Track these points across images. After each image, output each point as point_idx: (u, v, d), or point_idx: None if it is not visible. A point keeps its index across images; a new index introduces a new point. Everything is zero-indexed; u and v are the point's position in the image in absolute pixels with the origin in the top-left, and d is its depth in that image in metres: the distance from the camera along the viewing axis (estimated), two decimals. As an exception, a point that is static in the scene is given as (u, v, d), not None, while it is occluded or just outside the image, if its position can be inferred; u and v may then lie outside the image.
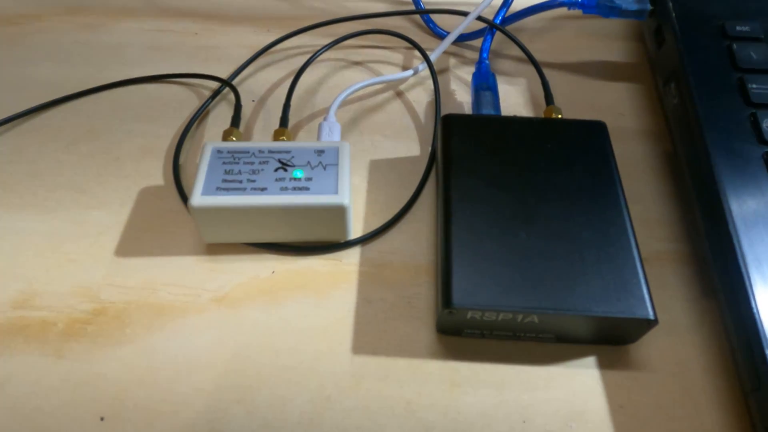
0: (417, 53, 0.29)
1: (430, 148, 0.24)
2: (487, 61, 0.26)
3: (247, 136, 0.25)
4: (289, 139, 0.23)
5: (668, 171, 0.24)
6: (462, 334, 0.18)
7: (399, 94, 0.27)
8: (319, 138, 0.23)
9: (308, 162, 0.20)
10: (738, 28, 0.22)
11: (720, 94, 0.21)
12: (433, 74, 0.26)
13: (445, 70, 0.28)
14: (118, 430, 0.17)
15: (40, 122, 0.25)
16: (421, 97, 0.27)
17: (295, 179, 0.20)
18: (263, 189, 0.19)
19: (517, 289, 0.17)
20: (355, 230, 0.22)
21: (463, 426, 0.17)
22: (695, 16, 0.23)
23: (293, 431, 0.17)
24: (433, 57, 0.26)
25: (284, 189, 0.19)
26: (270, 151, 0.20)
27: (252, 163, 0.20)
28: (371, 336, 0.19)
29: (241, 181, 0.19)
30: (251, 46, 0.29)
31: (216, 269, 0.20)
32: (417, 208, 0.22)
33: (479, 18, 0.27)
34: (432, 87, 0.27)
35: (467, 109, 0.26)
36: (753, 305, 0.17)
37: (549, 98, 0.24)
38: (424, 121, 0.26)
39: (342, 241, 0.21)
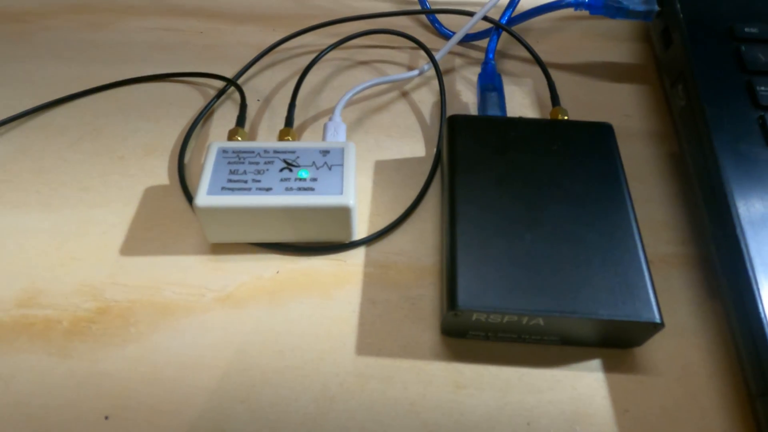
0: (422, 53, 0.29)
1: (435, 149, 0.24)
2: (493, 62, 0.25)
3: (252, 136, 0.25)
4: (294, 139, 0.23)
5: (675, 173, 0.23)
6: (466, 336, 0.18)
7: (404, 95, 0.27)
8: (324, 138, 0.23)
9: (313, 162, 0.20)
10: (746, 29, 0.22)
11: (728, 96, 0.21)
12: (439, 74, 0.25)
13: (450, 70, 0.28)
14: (123, 428, 0.17)
15: (44, 120, 0.25)
16: (426, 97, 0.27)
17: (300, 179, 0.20)
18: (268, 189, 0.19)
19: (522, 292, 0.17)
20: (360, 231, 0.21)
21: (467, 428, 0.17)
22: (703, 17, 0.23)
23: (296, 431, 0.17)
24: (438, 57, 0.26)
25: (289, 189, 0.19)
26: (275, 151, 0.20)
27: (257, 163, 0.20)
28: (375, 337, 0.19)
29: (246, 181, 0.19)
30: (256, 45, 0.29)
31: (220, 269, 0.20)
32: (422, 208, 0.22)
33: (485, 18, 0.27)
34: (437, 87, 0.27)
35: (473, 109, 0.26)
36: (761, 309, 0.17)
37: (555, 99, 0.24)
38: (429, 121, 0.26)
39: (347, 242, 0.21)
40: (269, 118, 0.25)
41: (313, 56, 0.28)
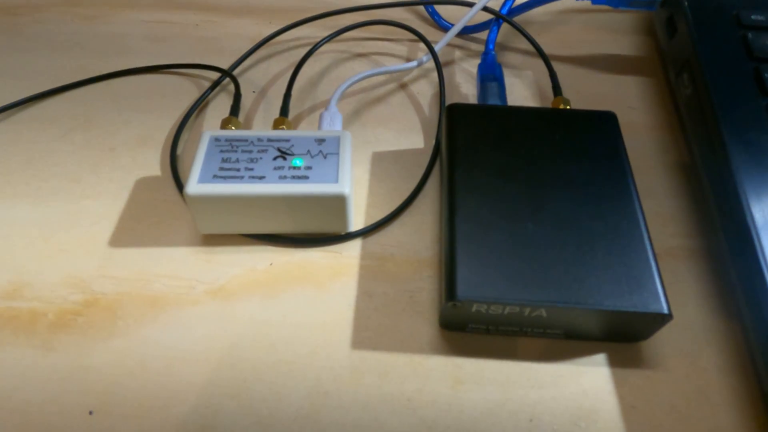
0: (422, 46, 0.28)
1: (434, 141, 0.24)
2: (493, 52, 0.25)
3: (246, 127, 0.24)
4: (289, 129, 0.22)
5: (680, 165, 0.23)
6: (466, 329, 0.18)
7: (403, 87, 0.26)
8: (320, 128, 0.22)
9: (308, 151, 0.20)
10: (753, 17, 0.21)
11: (735, 83, 0.20)
12: (438, 65, 0.25)
13: (450, 62, 0.27)
14: (107, 424, 0.16)
15: (36, 111, 0.25)
16: (425, 89, 0.26)
17: (294, 168, 0.19)
18: (261, 177, 0.19)
19: (524, 282, 0.16)
20: (357, 222, 0.21)
21: (467, 424, 0.16)
22: (708, 5, 0.22)
23: (288, 427, 0.16)
24: (437, 48, 0.26)
25: (283, 178, 0.19)
26: (269, 140, 0.20)
27: (250, 152, 0.19)
28: (372, 331, 0.18)
29: (238, 169, 0.19)
30: (252, 37, 0.28)
31: (212, 261, 0.20)
32: (420, 200, 0.22)
33: (485, 9, 0.26)
34: (437, 79, 0.26)
35: (473, 100, 0.25)
36: (773, 301, 0.16)
37: (557, 89, 0.23)
38: (428, 113, 0.25)
39: (342, 233, 0.20)
40: (264, 109, 0.25)
41: (309, 48, 0.28)
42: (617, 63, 0.28)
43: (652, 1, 0.24)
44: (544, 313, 0.16)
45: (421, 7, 0.31)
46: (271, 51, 0.28)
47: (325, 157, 0.19)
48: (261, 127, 0.24)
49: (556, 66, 0.27)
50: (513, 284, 0.16)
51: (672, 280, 0.19)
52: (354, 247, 0.20)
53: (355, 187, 0.22)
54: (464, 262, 0.17)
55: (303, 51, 0.28)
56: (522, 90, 0.26)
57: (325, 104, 0.25)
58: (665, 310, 0.16)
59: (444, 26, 0.29)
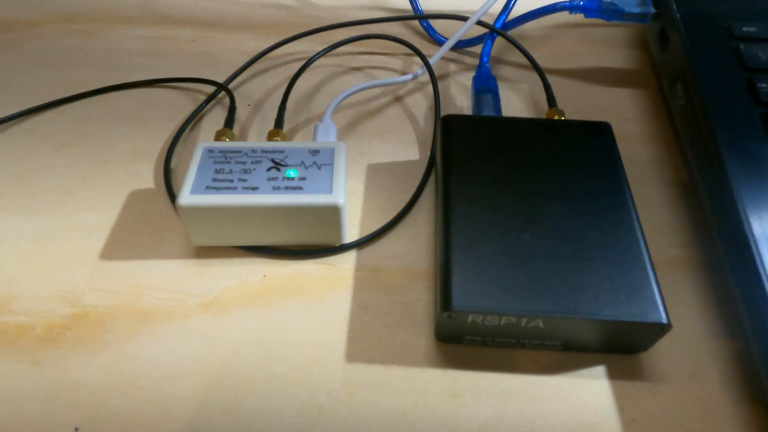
0: (417, 60, 0.29)
1: (429, 152, 0.24)
2: (487, 65, 0.25)
3: (241, 139, 0.24)
4: (283, 140, 0.22)
5: (676, 176, 0.23)
6: (462, 341, 0.17)
7: (398, 99, 0.26)
8: (314, 139, 0.22)
9: (302, 162, 0.19)
10: (744, 28, 0.22)
11: (729, 93, 0.20)
12: (433, 77, 0.25)
13: (445, 75, 0.28)
14: (93, 441, 0.16)
15: (30, 125, 0.25)
16: (420, 102, 0.26)
17: (288, 179, 0.19)
18: (255, 188, 0.18)
19: (520, 292, 0.16)
20: (351, 234, 0.21)
21: (464, 439, 0.16)
22: (700, 17, 0.22)
23: (281, 444, 0.16)
24: (432, 61, 0.26)
25: (276, 188, 0.18)
26: (263, 151, 0.20)
27: (244, 163, 0.19)
28: (366, 343, 0.18)
29: (231, 180, 0.19)
30: (249, 52, 0.28)
31: (204, 273, 0.19)
32: (416, 211, 0.22)
33: (479, 23, 0.26)
34: (432, 92, 0.26)
35: (468, 112, 0.25)
36: (773, 310, 0.16)
37: (551, 100, 0.23)
38: (423, 125, 0.25)
39: (337, 245, 0.20)
40: (259, 122, 0.25)
41: (305, 62, 0.28)
42: (611, 75, 0.28)
43: (645, 14, 0.24)
44: (541, 323, 0.16)
45: (416, 22, 0.31)
46: (267, 65, 0.28)
47: (319, 168, 0.19)
48: (256, 140, 0.24)
49: (551, 78, 0.27)
50: (509, 294, 0.16)
51: (671, 290, 0.19)
52: (349, 258, 0.20)
53: (350, 198, 0.22)
54: (460, 272, 0.16)
55: (299, 65, 0.28)
56: (517, 102, 0.26)
57: (320, 116, 0.25)
58: (664, 320, 0.15)
59: (439, 40, 0.29)
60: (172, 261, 0.20)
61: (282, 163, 0.19)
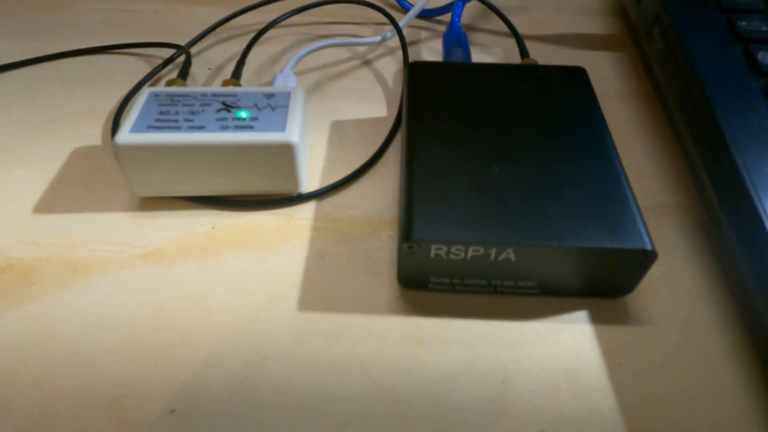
0: (388, 28, 0.28)
1: (397, 110, 0.22)
2: (458, 24, 0.24)
3: (199, 101, 0.23)
4: (240, 91, 0.21)
5: (657, 128, 0.22)
6: (428, 286, 0.16)
7: (366, 63, 0.25)
8: (273, 90, 0.21)
9: (255, 104, 0.18)
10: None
11: (705, 30, 0.19)
12: (402, 39, 0.24)
13: (416, 42, 0.27)
14: (7, 394, 0.13)
15: (-25, 89, 0.23)
16: (390, 65, 0.25)
17: (238, 119, 0.17)
18: (201, 128, 0.17)
19: (489, 222, 0.14)
20: (311, 186, 0.19)
21: (428, 388, 0.14)
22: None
23: (217, 395, 0.14)
24: (402, 23, 0.25)
25: (225, 128, 0.17)
26: (214, 95, 0.18)
27: (192, 105, 0.18)
28: (322, 292, 0.16)
29: (176, 120, 0.17)
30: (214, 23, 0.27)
31: (146, 225, 0.18)
32: (382, 165, 0.20)
33: (450, -13, 0.26)
34: (402, 57, 0.25)
35: (439, 75, 0.24)
36: (768, 236, 0.14)
37: (524, 53, 0.22)
38: (392, 86, 0.24)
39: (294, 194, 0.18)
40: (218, 84, 0.24)
41: (273, 31, 0.27)
42: (589, 41, 0.27)
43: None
44: (512, 256, 0.14)
45: (389, -3, 0.30)
46: (232, 33, 0.27)
47: (273, 110, 0.18)
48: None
49: (528, 44, 0.26)
50: (476, 224, 0.14)
51: (657, 235, 0.18)
52: (307, 209, 0.18)
53: (311, 153, 0.20)
54: (422, 202, 0.15)
55: (273, 45, 0.27)
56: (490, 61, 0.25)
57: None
58: (648, 246, 0.14)
59: (409, 9, 0.28)
60: (112, 214, 0.18)
61: (233, 105, 0.18)
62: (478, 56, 0.25)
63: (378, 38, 0.25)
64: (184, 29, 0.27)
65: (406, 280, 0.16)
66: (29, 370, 0.14)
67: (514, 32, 0.23)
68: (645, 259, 0.14)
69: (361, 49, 0.26)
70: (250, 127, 0.17)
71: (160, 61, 0.25)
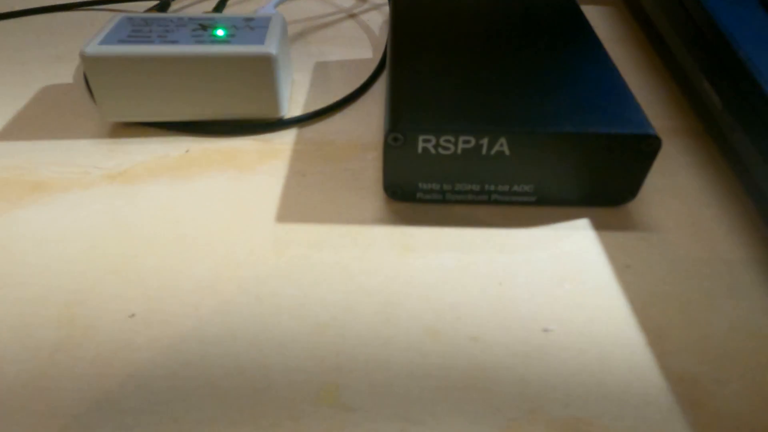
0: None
1: (383, 52, 0.22)
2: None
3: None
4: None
5: (650, 66, 0.21)
6: (416, 196, 0.14)
7: (352, 16, 0.25)
8: (255, 28, 0.20)
9: (233, 25, 0.17)
10: None
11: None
12: (389, -10, 0.24)
13: (403, 1, 0.26)
14: (-62, 303, 0.12)
15: (-54, 41, 0.22)
16: (375, 18, 0.24)
17: (214, 37, 0.16)
18: (174, 42, 0.16)
19: (481, 112, 0.13)
20: (293, 115, 0.18)
21: (418, 290, 0.12)
22: None
23: (183, 299, 0.12)
24: (388, -23, 0.24)
25: (200, 42, 0.16)
26: (190, 19, 0.18)
27: (167, 26, 0.17)
28: (302, 206, 0.15)
29: (149, 36, 0.16)
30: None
31: (116, 150, 0.17)
32: (368, 97, 0.19)
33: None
34: (388, 11, 0.25)
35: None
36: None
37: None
38: (378, 34, 0.23)
39: (274, 118, 0.17)
40: (201, 33, 0.23)
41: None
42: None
43: None
44: (506, 149, 0.13)
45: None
46: (215, -6, 0.26)
47: (252, 30, 0.17)
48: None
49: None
50: (467, 114, 0.13)
51: (659, 154, 0.17)
52: (288, 135, 0.17)
53: (294, 90, 0.19)
54: (409, 96, 0.14)
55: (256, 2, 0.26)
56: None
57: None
58: (652, 131, 0.13)
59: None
60: (79, 140, 0.17)
61: (210, 26, 0.17)
62: (466, 10, 0.25)
63: (364, -9, 0.24)
64: (167, -8, 0.27)
65: (392, 189, 0.14)
66: (-27, 279, 0.13)
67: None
68: (649, 146, 0.13)
69: (345, 4, 0.25)
70: (226, 42, 0.16)
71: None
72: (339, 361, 0.11)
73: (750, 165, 0.14)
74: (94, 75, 0.16)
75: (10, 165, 0.16)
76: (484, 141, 0.13)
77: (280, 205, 0.15)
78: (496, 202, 0.15)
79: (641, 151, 0.13)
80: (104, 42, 0.16)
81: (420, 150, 0.13)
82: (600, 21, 0.24)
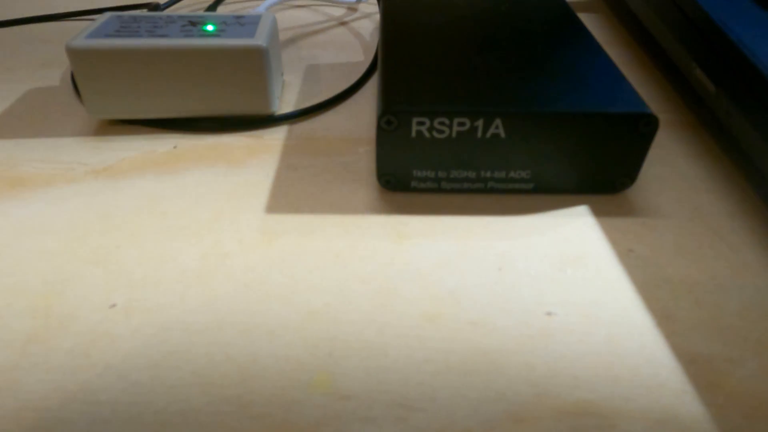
0: (366, 4, 0.28)
1: (374, 55, 0.21)
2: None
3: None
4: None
5: (640, 66, 0.21)
6: (411, 185, 0.14)
7: (343, 24, 0.25)
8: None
9: (223, 21, 0.17)
10: None
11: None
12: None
13: (394, 10, 0.26)
14: None
15: (-68, 49, 0.22)
16: (366, 25, 0.25)
17: (204, 31, 0.16)
18: (164, 36, 0.16)
19: (475, 94, 0.13)
20: (285, 110, 0.18)
21: (415, 277, 0.12)
22: None
23: (171, 287, 0.12)
24: (378, -15, 0.25)
25: (189, 36, 0.16)
26: (180, 17, 0.17)
27: (156, 23, 0.17)
28: (293, 197, 0.14)
29: (137, 30, 0.16)
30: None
31: (101, 147, 0.16)
32: (360, 95, 0.19)
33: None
34: (379, 19, 0.25)
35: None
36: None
37: None
38: (369, 39, 0.23)
39: (265, 114, 0.17)
40: (191, 39, 0.23)
41: (254, 3, 0.27)
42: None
43: None
44: (502, 131, 0.13)
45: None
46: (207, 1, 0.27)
47: (242, 26, 0.17)
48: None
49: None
50: (461, 96, 0.13)
51: (657, 143, 0.16)
52: (279, 131, 0.17)
53: (286, 90, 0.19)
54: (402, 79, 0.14)
55: (246, 5, 0.27)
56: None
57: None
58: (648, 110, 0.13)
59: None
60: (64, 138, 0.16)
61: (200, 22, 0.17)
62: (456, 17, 0.25)
63: (355, -2, 0.24)
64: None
65: (386, 177, 0.14)
66: (-55, 271, 0.12)
67: None
68: (647, 126, 0.13)
69: (337, 12, 0.26)
70: (216, 36, 0.16)
71: (130, 25, 0.24)
72: (332, 347, 0.11)
73: (748, 146, 0.14)
74: (79, 69, 0.15)
75: (-10, 162, 0.15)
76: (479, 123, 0.13)
77: (271, 196, 0.14)
78: (493, 191, 0.14)
79: (639, 130, 0.13)
80: (91, 36, 0.16)
81: (414, 133, 0.13)
82: (588, 26, 0.25)
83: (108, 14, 0.17)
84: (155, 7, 0.22)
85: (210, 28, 0.16)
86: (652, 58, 0.21)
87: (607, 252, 0.13)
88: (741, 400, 0.10)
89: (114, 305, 0.11)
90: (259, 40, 0.16)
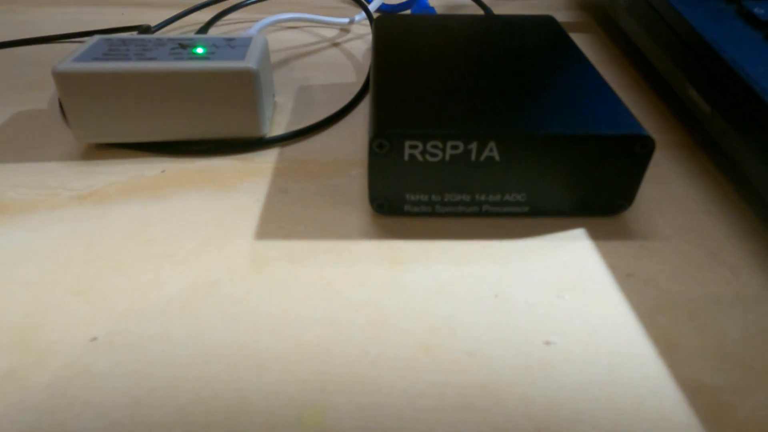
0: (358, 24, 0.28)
1: (366, 76, 0.21)
2: (426, 1, 0.24)
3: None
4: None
5: (633, 84, 0.21)
6: (404, 208, 0.14)
7: (336, 45, 0.25)
8: (236, 51, 0.20)
9: (214, 44, 0.17)
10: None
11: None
12: (371, 20, 0.24)
13: (386, 31, 0.26)
14: None
15: None
16: (359, 45, 0.25)
17: (194, 54, 0.16)
18: (152, 59, 0.16)
19: (468, 116, 0.13)
20: (276, 133, 0.18)
21: (409, 304, 0.12)
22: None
23: (153, 322, 0.11)
24: (372, 7, 0.25)
25: (179, 59, 0.16)
26: (170, 39, 0.17)
27: (144, 45, 0.17)
28: (284, 222, 0.14)
29: (126, 53, 0.16)
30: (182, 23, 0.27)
31: (87, 171, 0.16)
32: (352, 118, 0.19)
33: (418, -23, 0.26)
34: (371, 40, 0.25)
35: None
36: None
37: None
38: (362, 60, 0.23)
39: (255, 137, 0.17)
40: (182, 61, 0.23)
41: (246, 25, 0.26)
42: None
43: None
44: (496, 154, 0.13)
45: None
46: (200, 22, 0.26)
47: (233, 48, 0.17)
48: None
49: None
50: (454, 119, 0.13)
51: (651, 165, 0.16)
52: (270, 154, 0.17)
53: (277, 112, 0.19)
54: (394, 101, 0.13)
55: (238, 26, 0.26)
56: (462, 46, 0.25)
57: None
58: (644, 132, 0.12)
59: None
60: (49, 163, 0.16)
61: (189, 45, 0.17)
62: (448, 38, 0.25)
63: (347, 20, 0.24)
64: (153, 23, 0.27)
65: (379, 201, 0.14)
66: None
67: (484, 9, 0.23)
68: (643, 148, 0.12)
69: (329, 34, 0.26)
70: (206, 59, 0.16)
71: (121, 47, 0.24)
72: (324, 382, 0.10)
73: (745, 167, 0.14)
74: (66, 93, 0.15)
75: (-28, 188, 0.15)
76: (473, 146, 0.12)
77: (261, 221, 0.14)
78: (488, 214, 0.14)
79: (635, 152, 0.13)
80: (78, 59, 0.15)
81: (406, 157, 0.13)
82: (580, 44, 0.25)
83: (96, 37, 0.17)
84: (146, 30, 0.22)
85: (200, 50, 0.16)
86: (645, 78, 0.21)
87: (606, 277, 0.12)
88: (750, 433, 0.09)
89: (95, 338, 0.11)
90: (250, 62, 0.16)
